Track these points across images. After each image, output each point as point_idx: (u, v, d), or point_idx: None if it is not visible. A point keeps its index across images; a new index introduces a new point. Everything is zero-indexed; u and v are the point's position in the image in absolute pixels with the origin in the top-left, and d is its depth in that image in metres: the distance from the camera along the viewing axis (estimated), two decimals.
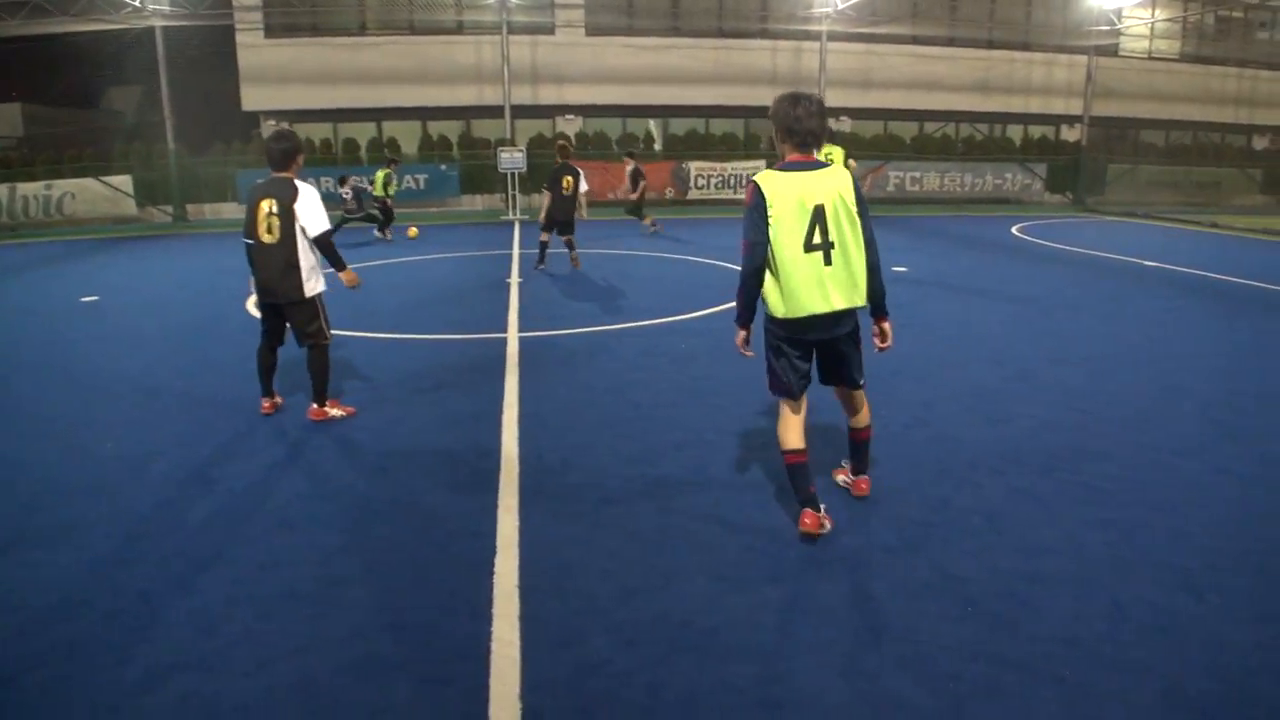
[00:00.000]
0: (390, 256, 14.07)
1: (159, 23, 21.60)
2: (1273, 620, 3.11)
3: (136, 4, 20.94)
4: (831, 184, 3.56)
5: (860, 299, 3.66)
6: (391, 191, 16.44)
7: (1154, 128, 29.64)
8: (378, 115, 24.51)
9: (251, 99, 24.18)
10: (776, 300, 3.63)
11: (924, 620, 3.11)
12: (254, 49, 23.76)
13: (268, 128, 24.61)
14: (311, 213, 5.19)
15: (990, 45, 27.11)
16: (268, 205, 5.17)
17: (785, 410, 3.82)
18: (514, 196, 21.15)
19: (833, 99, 24.86)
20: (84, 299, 10.66)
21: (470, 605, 3.25)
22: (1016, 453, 4.81)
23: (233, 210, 22.41)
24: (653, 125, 26.06)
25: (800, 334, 3.70)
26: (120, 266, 14.24)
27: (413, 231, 16.44)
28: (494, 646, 2.98)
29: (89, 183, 21.75)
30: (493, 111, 23.53)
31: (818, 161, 3.63)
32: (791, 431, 3.77)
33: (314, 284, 5.32)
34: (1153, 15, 27.80)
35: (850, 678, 2.79)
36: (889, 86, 26.11)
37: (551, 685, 2.77)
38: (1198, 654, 2.90)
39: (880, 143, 26.02)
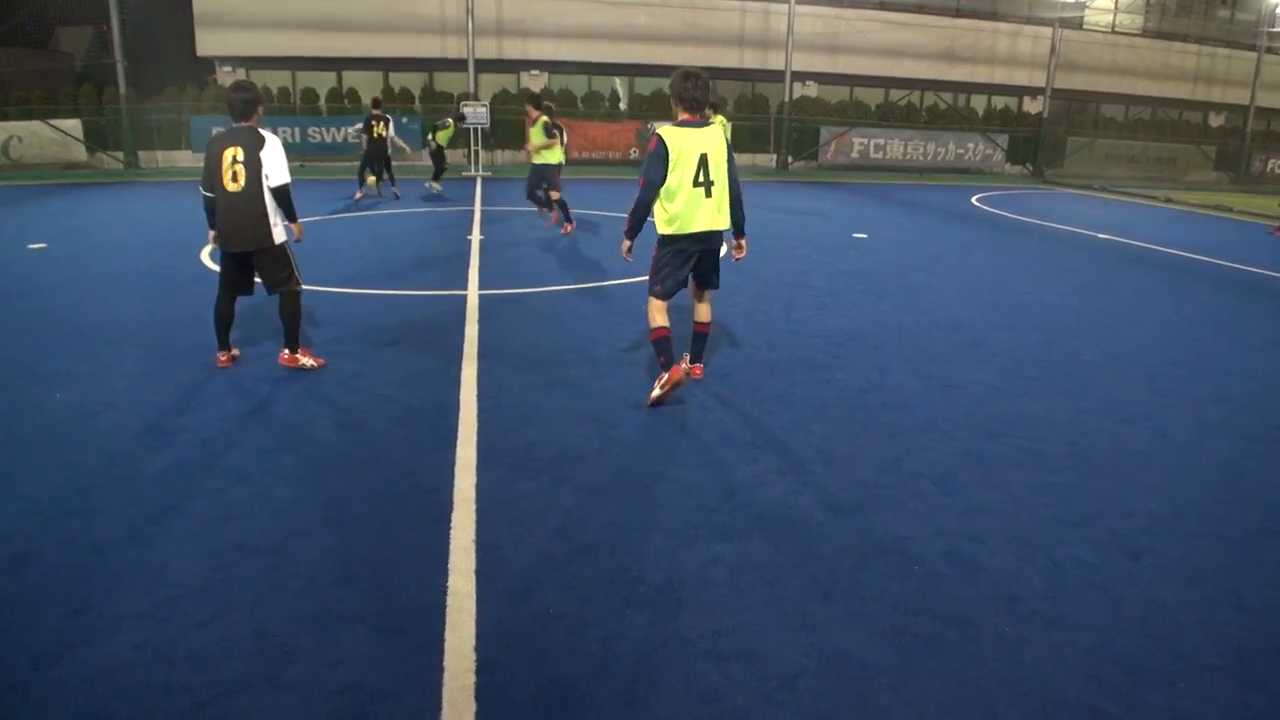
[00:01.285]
0: (351, 210, 13.84)
1: None
2: (1203, 581, 3.26)
3: None
4: (713, 139, 4.76)
5: (726, 223, 4.89)
6: (443, 140, 16.36)
7: (1114, 102, 30.04)
8: (338, 65, 23.89)
9: (206, 44, 23.41)
10: (673, 222, 4.78)
11: (870, 577, 3.21)
12: None
13: (223, 74, 23.91)
14: (276, 162, 5.20)
15: (958, 14, 27.17)
16: (232, 154, 5.15)
17: (657, 304, 4.96)
18: (476, 152, 20.85)
19: (800, 63, 24.80)
20: (32, 246, 10.34)
21: (427, 559, 3.28)
22: (966, 418, 4.93)
23: (187, 159, 21.81)
24: (618, 83, 25.78)
25: (688, 246, 4.85)
26: (70, 213, 13.81)
27: (435, 187, 15.78)
28: (450, 600, 3.01)
29: (36, 126, 20.99)
30: (456, 65, 23.09)
31: (703, 121, 4.80)
32: (661, 316, 4.93)
33: (281, 230, 5.33)
34: None
35: (798, 631, 2.87)
36: (856, 52, 26.08)
37: (506, 637, 2.82)
38: (1131, 612, 3.03)
39: (846, 109, 26.07)
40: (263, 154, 5.16)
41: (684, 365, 5.29)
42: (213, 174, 5.22)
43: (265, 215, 5.22)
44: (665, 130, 4.73)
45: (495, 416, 4.75)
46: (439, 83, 24.10)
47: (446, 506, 3.69)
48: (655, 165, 4.69)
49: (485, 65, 23.21)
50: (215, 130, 5.52)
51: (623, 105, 24.96)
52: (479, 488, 3.86)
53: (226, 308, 5.56)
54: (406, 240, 10.79)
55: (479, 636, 2.81)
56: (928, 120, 26.71)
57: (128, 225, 12.46)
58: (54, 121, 21.08)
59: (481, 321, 6.77)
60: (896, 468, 4.20)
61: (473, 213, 13.63)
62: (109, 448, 4.34)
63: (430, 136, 16.61)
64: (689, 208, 4.74)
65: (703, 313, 5.23)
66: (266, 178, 5.18)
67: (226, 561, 3.27)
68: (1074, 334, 6.96)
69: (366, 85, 23.50)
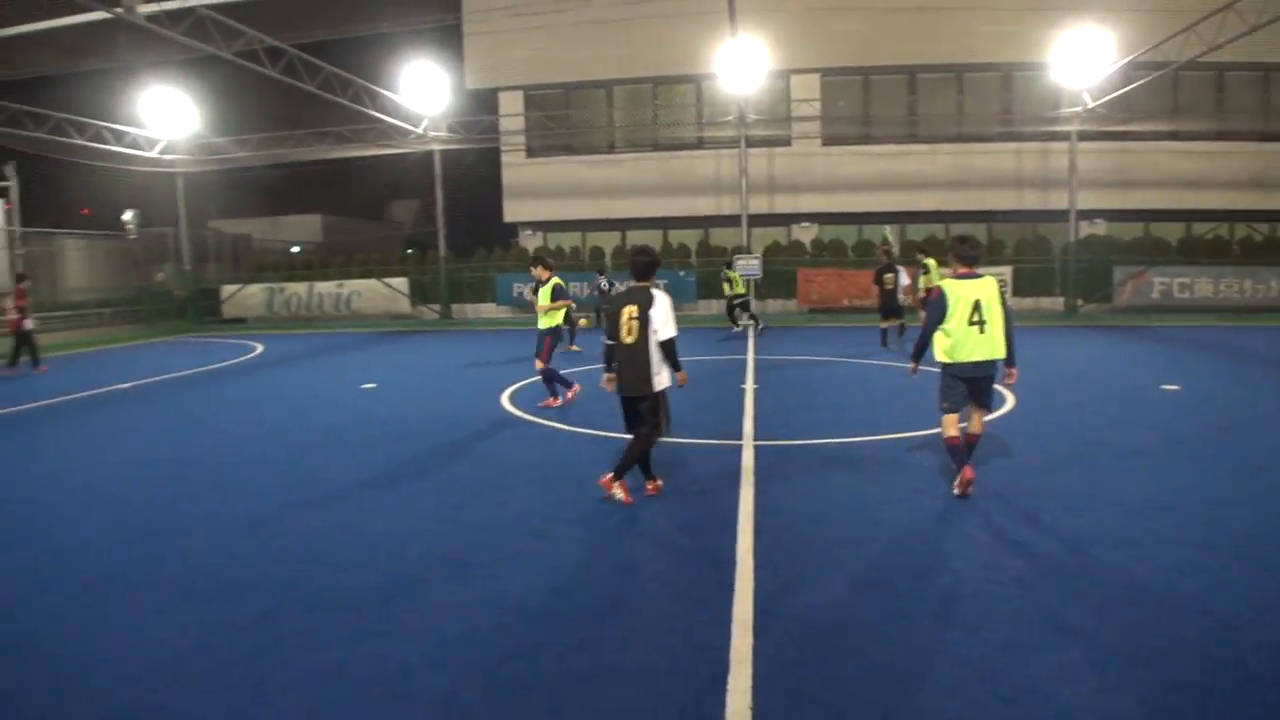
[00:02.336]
0: None
1: (437, 147, 24.54)
2: None
3: (420, 131, 23.90)
4: (986, 287, 5.95)
5: (1000, 353, 5.95)
6: (740, 289, 18.38)
7: None
8: (622, 225, 26.10)
9: (512, 211, 26.66)
10: (951, 353, 5.96)
11: None
12: (516, 167, 26.30)
13: (524, 237, 26.94)
14: (662, 319, 5.81)
15: (1264, 137, 24.54)
16: (629, 310, 5.84)
17: (948, 418, 6.07)
18: (748, 302, 21.48)
19: (1086, 201, 23.50)
20: (364, 386, 11.99)
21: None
22: None
23: (490, 310, 24.50)
24: (888, 231, 25.76)
25: (964, 373, 5.99)
26: (395, 358, 15.93)
27: (584, 322, 16.72)
28: None
29: (372, 283, 24.74)
30: (730, 220, 24.34)
31: (976, 273, 6.04)
32: (952, 429, 6.05)
33: (660, 379, 5.92)
34: None
35: None
36: (1149, 186, 24.25)
37: None
38: None
39: (1142, 246, 24.07)
40: (651, 312, 5.79)
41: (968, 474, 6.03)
42: (614, 326, 5.92)
43: (649, 365, 5.84)
44: (945, 282, 6.05)
45: (772, 574, 4.66)
46: (714, 238, 25.46)
47: (722, 666, 3.63)
48: (936, 309, 5.98)
49: (757, 220, 24.25)
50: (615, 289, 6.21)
51: (895, 252, 24.80)
52: (755, 650, 3.77)
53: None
54: (683, 388, 11.16)
55: None
56: (1241, 254, 23.93)
57: (440, 369, 14.08)
58: (386, 279, 24.66)
59: (757, 472, 6.76)
60: (1235, 671, 3.56)
61: (746, 361, 13.93)
62: (413, 573, 4.82)
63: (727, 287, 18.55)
64: (965, 342, 5.91)
65: (975, 425, 6.19)
66: (655, 333, 5.78)
67: (512, 697, 3.44)
68: None
69: (647, 242, 25.33)
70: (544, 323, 9.77)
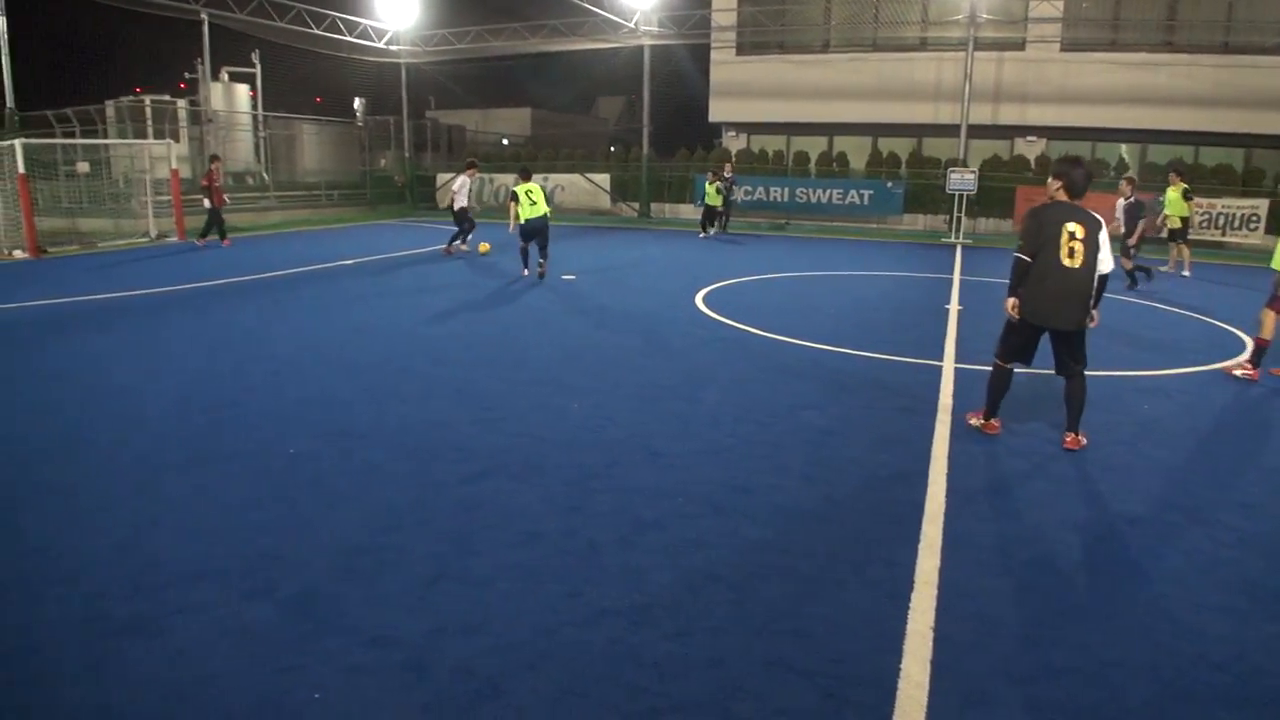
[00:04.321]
0: (828, 269, 14.37)
1: (648, 42, 24.32)
2: None
3: (631, 26, 23.75)
4: None
5: None
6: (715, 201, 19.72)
7: None
8: (830, 130, 25.03)
9: (717, 111, 26.17)
10: None
11: None
12: (725, 65, 25.64)
13: (728, 138, 26.51)
14: (1108, 249, 5.18)
15: None
16: (1072, 229, 5.06)
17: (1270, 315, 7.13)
18: (958, 219, 20.29)
19: None
20: (564, 277, 12.43)
21: (881, 634, 3.24)
22: None
23: (688, 210, 24.48)
24: (1125, 151, 23.30)
25: None
26: (594, 252, 16.36)
27: (484, 247, 15.45)
28: (901, 684, 2.94)
29: (576, 178, 25.32)
30: (947, 130, 22.77)
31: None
32: (1269, 331, 7.16)
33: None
34: None
35: None
36: None
37: None
38: None
39: None
40: (1102, 236, 5.11)
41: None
42: (1047, 245, 5.08)
43: (1089, 296, 5.13)
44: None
45: (965, 500, 4.54)
46: (927, 148, 23.99)
47: (906, 584, 3.62)
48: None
49: (977, 131, 22.55)
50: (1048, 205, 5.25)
51: (1131, 174, 22.45)
52: (942, 573, 3.72)
53: (1009, 379, 5.53)
54: (884, 304, 10.83)
55: None
56: None
57: (637, 267, 14.34)
58: (589, 175, 25.15)
59: (957, 396, 6.53)
60: None
61: (951, 281, 13.26)
62: (608, 456, 5.06)
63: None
64: None
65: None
66: (1101, 261, 5.13)
67: (696, 584, 3.58)
68: None
69: (855, 149, 24.26)
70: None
